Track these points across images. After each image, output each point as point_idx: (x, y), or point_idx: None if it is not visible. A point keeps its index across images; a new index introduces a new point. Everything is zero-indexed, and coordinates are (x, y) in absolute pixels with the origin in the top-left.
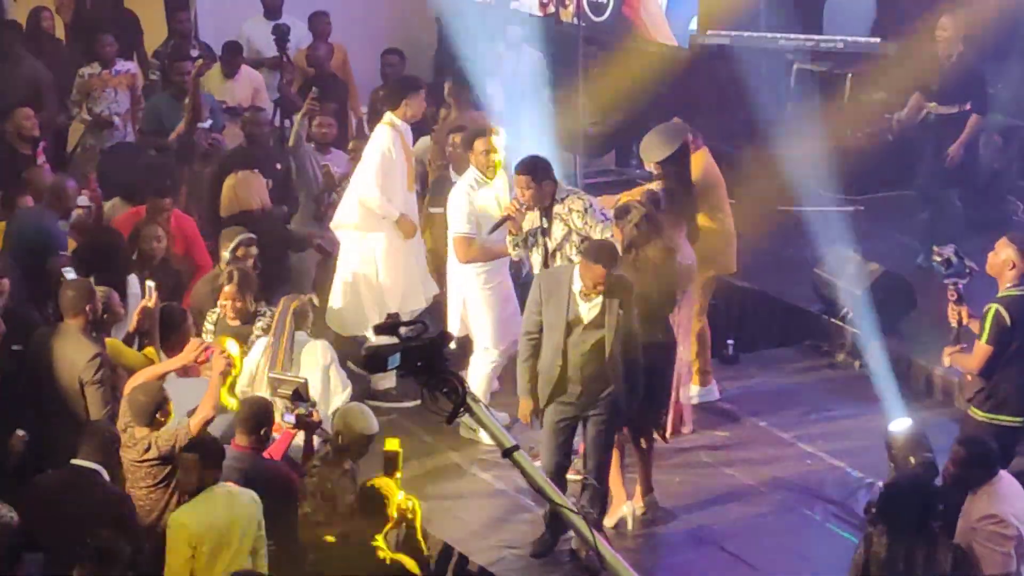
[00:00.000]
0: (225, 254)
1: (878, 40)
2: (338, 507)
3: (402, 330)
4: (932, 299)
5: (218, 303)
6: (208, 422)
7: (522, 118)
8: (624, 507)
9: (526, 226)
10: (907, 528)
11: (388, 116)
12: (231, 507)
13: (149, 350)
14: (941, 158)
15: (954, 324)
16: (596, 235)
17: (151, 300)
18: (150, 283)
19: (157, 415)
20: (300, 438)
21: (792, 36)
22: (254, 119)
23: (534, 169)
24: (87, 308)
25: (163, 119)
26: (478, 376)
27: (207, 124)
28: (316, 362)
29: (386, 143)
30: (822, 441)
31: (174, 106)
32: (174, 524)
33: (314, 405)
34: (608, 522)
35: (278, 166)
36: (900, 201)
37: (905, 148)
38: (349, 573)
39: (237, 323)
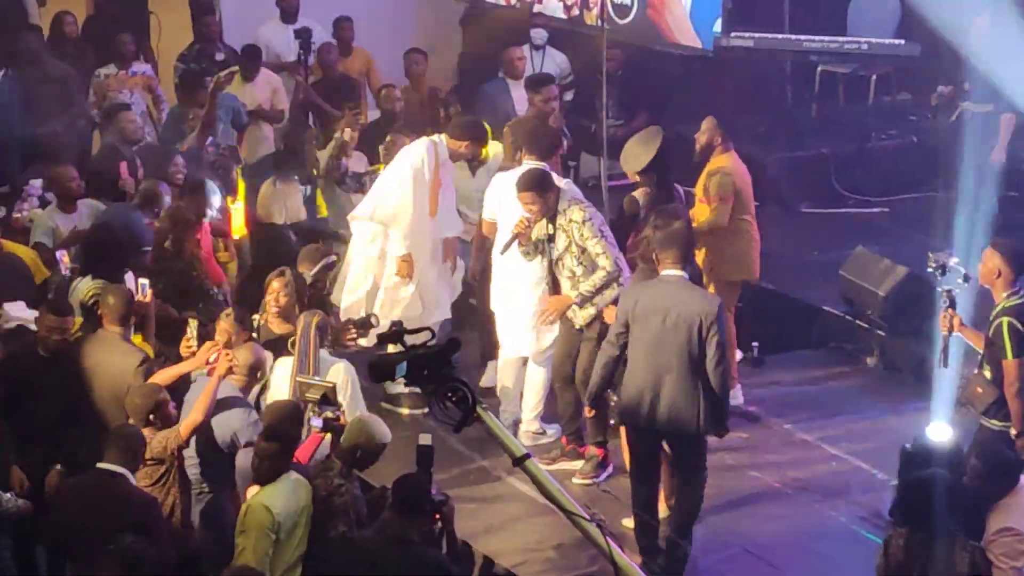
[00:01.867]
0: (307, 275)
1: (902, 42)
2: (362, 520)
3: (407, 338)
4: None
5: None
6: (198, 427)
7: None
8: None
9: (536, 234)
10: (923, 525)
11: (438, 136)
12: (299, 493)
13: (138, 338)
14: (979, 157)
15: (944, 331)
16: (590, 248)
17: (146, 296)
18: (144, 280)
19: (151, 416)
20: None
21: (816, 38)
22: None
23: (535, 184)
24: (129, 315)
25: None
26: (538, 383)
27: (208, 141)
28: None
29: (419, 156)
30: (847, 443)
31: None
32: (259, 510)
33: (341, 408)
34: (631, 524)
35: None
36: (925, 203)
37: (936, 148)
38: (384, 569)
39: (288, 328)
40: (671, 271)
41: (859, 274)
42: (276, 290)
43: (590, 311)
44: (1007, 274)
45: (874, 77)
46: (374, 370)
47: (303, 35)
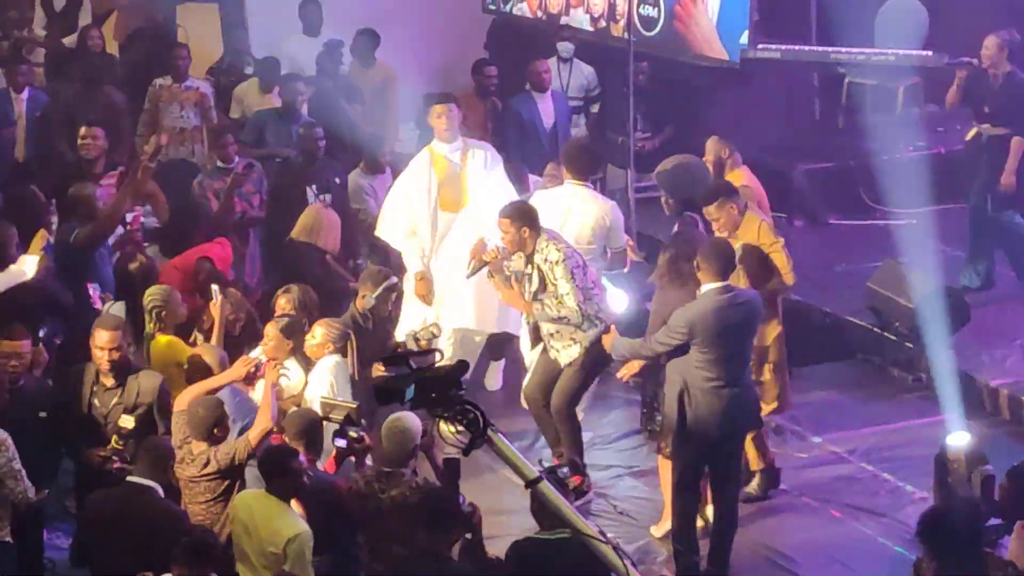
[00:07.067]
0: (369, 297)
1: (930, 53)
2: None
3: (413, 360)
4: (985, 313)
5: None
6: (268, 434)
7: (574, 133)
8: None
9: (513, 268)
10: (952, 553)
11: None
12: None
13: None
14: (995, 180)
15: None
16: (559, 288)
17: (216, 303)
18: (215, 286)
19: (215, 430)
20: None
21: (843, 50)
22: (309, 134)
23: (514, 214)
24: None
25: (266, 132)
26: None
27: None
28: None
29: (410, 168)
30: (874, 454)
31: (278, 121)
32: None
33: (366, 430)
34: (658, 532)
35: (337, 180)
36: (954, 214)
37: (960, 164)
38: None
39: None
40: (712, 284)
41: (887, 286)
42: (282, 307)
43: (574, 351)
44: None
45: (901, 88)
46: (381, 392)
47: (331, 48)
